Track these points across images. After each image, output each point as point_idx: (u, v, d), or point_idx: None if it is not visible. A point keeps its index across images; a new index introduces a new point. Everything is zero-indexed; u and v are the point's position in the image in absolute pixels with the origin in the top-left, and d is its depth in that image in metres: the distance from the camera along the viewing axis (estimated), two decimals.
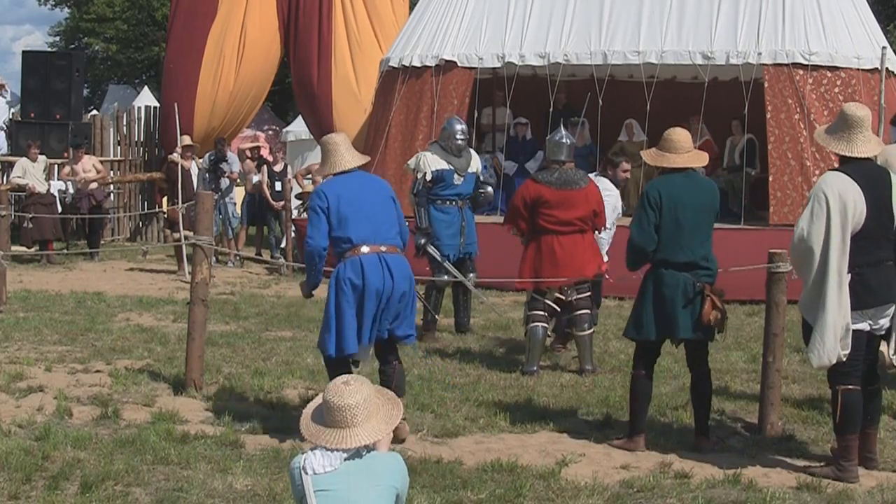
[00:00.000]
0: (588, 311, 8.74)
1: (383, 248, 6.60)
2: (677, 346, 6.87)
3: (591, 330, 8.71)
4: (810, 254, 5.90)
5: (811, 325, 5.95)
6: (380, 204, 6.73)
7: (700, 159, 6.78)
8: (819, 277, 5.89)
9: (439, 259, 9.95)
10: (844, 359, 5.91)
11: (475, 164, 10.23)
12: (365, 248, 6.55)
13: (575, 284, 8.67)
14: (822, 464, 6.28)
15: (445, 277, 9.96)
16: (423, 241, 9.83)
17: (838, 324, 5.85)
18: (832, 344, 5.85)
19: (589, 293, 8.79)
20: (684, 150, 6.64)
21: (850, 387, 6.06)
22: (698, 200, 6.56)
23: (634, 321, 6.65)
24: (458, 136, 10.02)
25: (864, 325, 6.03)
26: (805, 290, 6.02)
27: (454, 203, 10.02)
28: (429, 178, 9.86)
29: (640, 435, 6.66)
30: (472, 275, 10.00)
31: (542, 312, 8.70)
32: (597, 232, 8.83)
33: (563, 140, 8.85)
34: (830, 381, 6.17)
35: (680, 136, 6.69)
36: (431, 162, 9.95)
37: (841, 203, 5.86)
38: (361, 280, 6.50)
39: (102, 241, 17.59)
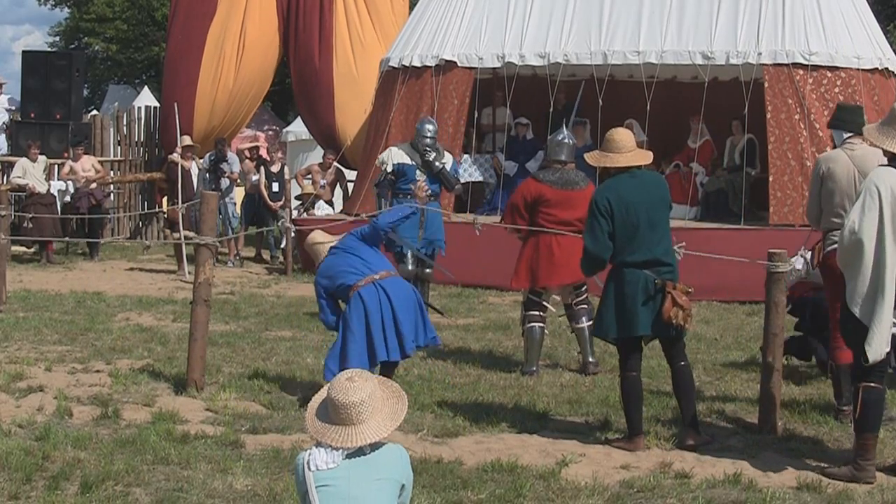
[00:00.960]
0: (586, 307, 8.76)
1: (377, 277, 7.37)
2: (646, 344, 6.88)
3: (590, 322, 8.70)
4: (860, 246, 5.83)
5: (862, 320, 5.86)
6: (362, 246, 7.54)
7: (643, 157, 6.72)
8: (876, 271, 5.82)
9: (400, 242, 10.21)
10: (884, 356, 5.88)
11: (436, 164, 10.52)
12: (361, 283, 7.34)
13: (573, 287, 8.68)
14: (838, 464, 6.24)
15: (410, 267, 10.28)
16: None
17: (890, 319, 5.81)
18: (886, 337, 5.81)
19: (586, 294, 8.79)
20: (627, 149, 6.63)
21: (873, 384, 6.01)
22: (648, 198, 6.55)
23: (598, 320, 6.74)
24: (426, 135, 10.42)
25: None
26: (854, 285, 5.91)
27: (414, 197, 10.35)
28: (389, 169, 10.27)
29: (639, 436, 6.65)
30: (458, 185, 10.68)
31: (538, 312, 8.70)
32: None
33: (565, 140, 8.85)
34: (853, 377, 6.15)
35: (622, 135, 6.71)
36: (395, 156, 10.41)
37: (893, 197, 5.82)
38: (364, 310, 7.26)
39: (102, 241, 17.59)
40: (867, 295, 5.88)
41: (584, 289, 8.74)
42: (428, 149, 10.33)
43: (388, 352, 7.27)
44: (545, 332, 8.83)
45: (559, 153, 8.78)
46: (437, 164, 10.37)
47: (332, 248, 7.63)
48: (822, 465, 6.30)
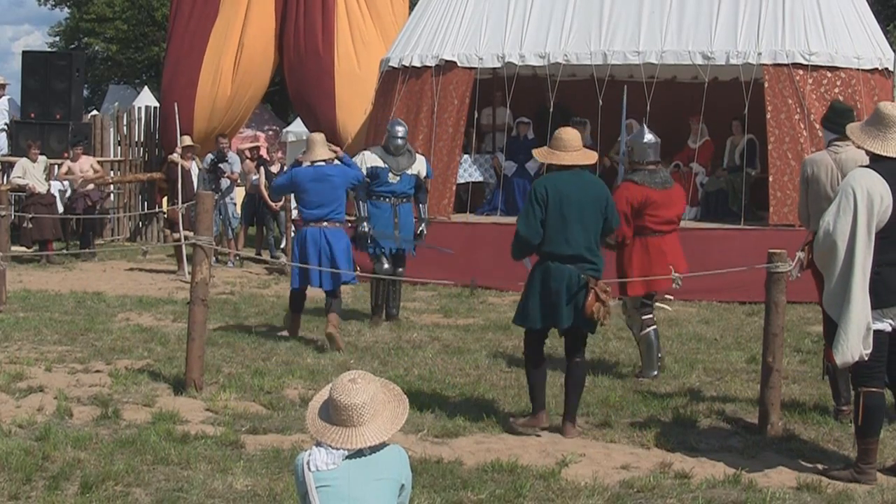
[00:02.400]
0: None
1: (325, 224, 9.59)
2: (561, 336, 7.08)
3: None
4: (835, 248, 5.85)
5: (835, 321, 5.89)
6: (331, 189, 9.62)
7: (587, 158, 7.00)
8: (844, 273, 5.83)
9: (385, 237, 10.63)
10: (866, 358, 5.86)
11: (417, 166, 10.90)
12: (312, 224, 9.60)
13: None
14: (838, 466, 6.24)
15: (385, 266, 10.68)
16: (366, 227, 10.59)
17: (862, 321, 5.80)
18: (856, 341, 5.79)
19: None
20: (573, 148, 6.94)
21: (873, 389, 5.99)
22: (583, 196, 6.82)
23: (521, 310, 6.99)
24: (397, 137, 10.75)
25: (886, 326, 5.97)
26: (828, 287, 5.95)
27: (387, 199, 10.73)
28: (364, 173, 10.53)
29: (541, 411, 6.94)
30: (424, 224, 11.14)
31: (652, 316, 8.65)
32: None
33: (651, 140, 8.70)
34: (853, 382, 6.14)
35: (569, 134, 7.01)
36: (368, 160, 10.74)
37: (868, 199, 5.82)
38: (303, 245, 9.62)
39: (102, 241, 17.58)
40: (836, 296, 5.89)
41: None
42: (400, 150, 10.69)
43: (321, 282, 9.56)
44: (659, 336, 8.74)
45: (649, 154, 8.66)
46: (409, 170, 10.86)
47: (319, 164, 9.69)
48: (822, 465, 6.30)
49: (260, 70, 18.79)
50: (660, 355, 8.69)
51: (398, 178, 10.70)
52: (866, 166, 6.08)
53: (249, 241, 17.33)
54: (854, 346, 5.80)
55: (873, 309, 5.85)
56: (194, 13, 18.52)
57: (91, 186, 16.22)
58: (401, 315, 11.05)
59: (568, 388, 7.00)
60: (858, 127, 6.22)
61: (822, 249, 5.97)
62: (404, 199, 10.81)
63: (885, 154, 5.98)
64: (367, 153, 10.82)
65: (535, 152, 7.30)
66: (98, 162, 17.13)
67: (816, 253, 6.09)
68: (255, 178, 16.35)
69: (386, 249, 10.70)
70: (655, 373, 8.52)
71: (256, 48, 18.43)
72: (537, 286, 6.86)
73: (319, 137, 9.93)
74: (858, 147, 6.32)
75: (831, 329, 6.00)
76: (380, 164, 10.64)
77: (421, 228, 11.08)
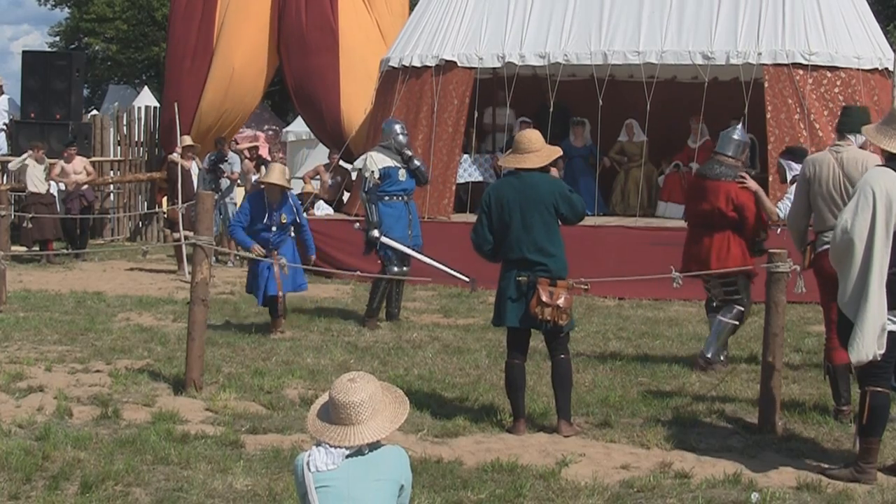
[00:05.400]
0: (737, 306, 8.77)
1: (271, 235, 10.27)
2: (543, 333, 7.06)
3: (734, 321, 8.76)
4: (851, 246, 5.82)
5: (851, 320, 5.86)
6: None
7: (534, 161, 6.91)
8: (862, 272, 5.80)
9: (398, 248, 10.55)
10: (879, 358, 5.84)
11: (415, 162, 10.91)
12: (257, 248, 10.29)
13: (721, 283, 8.71)
14: (838, 465, 6.24)
15: (396, 269, 10.60)
16: (376, 234, 10.49)
17: (878, 321, 5.77)
18: (871, 340, 5.77)
19: (734, 288, 8.81)
20: (525, 151, 6.96)
21: (880, 389, 5.98)
22: (524, 198, 6.86)
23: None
24: (400, 135, 10.74)
25: None
26: (844, 285, 5.91)
27: (400, 198, 10.70)
28: (377, 176, 10.53)
29: (520, 420, 6.95)
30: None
31: (713, 304, 8.85)
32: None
33: (731, 134, 8.79)
34: (860, 381, 6.13)
35: (524, 137, 7.04)
36: (378, 161, 10.63)
37: (887, 198, 5.80)
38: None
39: (102, 241, 17.58)
40: (854, 295, 5.87)
41: (731, 281, 8.75)
42: (405, 147, 10.71)
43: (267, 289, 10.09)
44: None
45: (722, 146, 8.73)
46: (415, 161, 10.78)
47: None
48: (822, 465, 6.30)
49: (260, 70, 18.77)
50: (708, 355, 8.71)
51: (406, 175, 10.67)
52: (883, 165, 6.06)
53: None
54: (869, 345, 5.78)
55: (888, 310, 5.84)
56: (194, 13, 18.51)
57: (85, 186, 16.20)
58: (401, 315, 11.05)
59: (554, 386, 7.01)
60: (874, 127, 6.21)
61: (839, 248, 5.92)
62: (412, 196, 10.84)
63: None
64: (374, 154, 10.70)
65: (501, 160, 7.32)
66: (95, 162, 17.13)
67: (832, 251, 6.06)
68: (255, 177, 16.34)
69: (394, 253, 10.58)
70: (710, 357, 8.64)
71: (256, 46, 18.41)
72: (498, 289, 7.01)
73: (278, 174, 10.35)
74: (876, 147, 6.30)
75: (844, 327, 5.96)
76: (390, 163, 10.57)
77: None
